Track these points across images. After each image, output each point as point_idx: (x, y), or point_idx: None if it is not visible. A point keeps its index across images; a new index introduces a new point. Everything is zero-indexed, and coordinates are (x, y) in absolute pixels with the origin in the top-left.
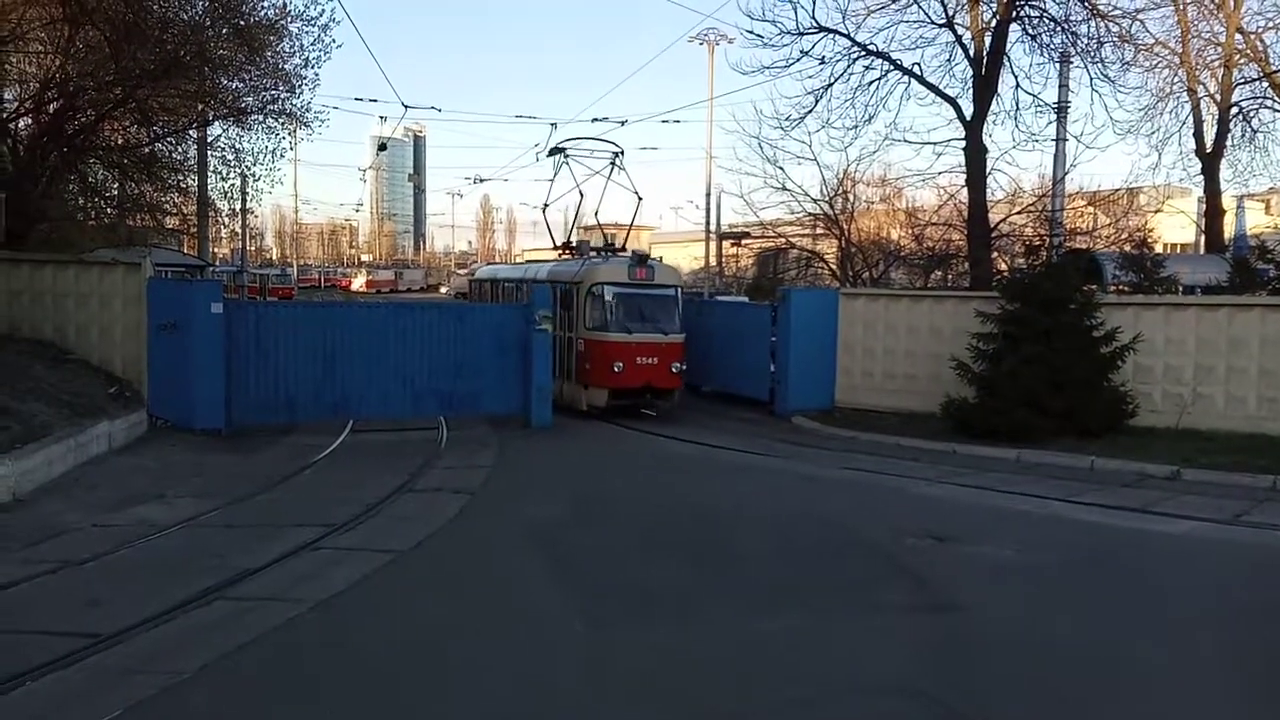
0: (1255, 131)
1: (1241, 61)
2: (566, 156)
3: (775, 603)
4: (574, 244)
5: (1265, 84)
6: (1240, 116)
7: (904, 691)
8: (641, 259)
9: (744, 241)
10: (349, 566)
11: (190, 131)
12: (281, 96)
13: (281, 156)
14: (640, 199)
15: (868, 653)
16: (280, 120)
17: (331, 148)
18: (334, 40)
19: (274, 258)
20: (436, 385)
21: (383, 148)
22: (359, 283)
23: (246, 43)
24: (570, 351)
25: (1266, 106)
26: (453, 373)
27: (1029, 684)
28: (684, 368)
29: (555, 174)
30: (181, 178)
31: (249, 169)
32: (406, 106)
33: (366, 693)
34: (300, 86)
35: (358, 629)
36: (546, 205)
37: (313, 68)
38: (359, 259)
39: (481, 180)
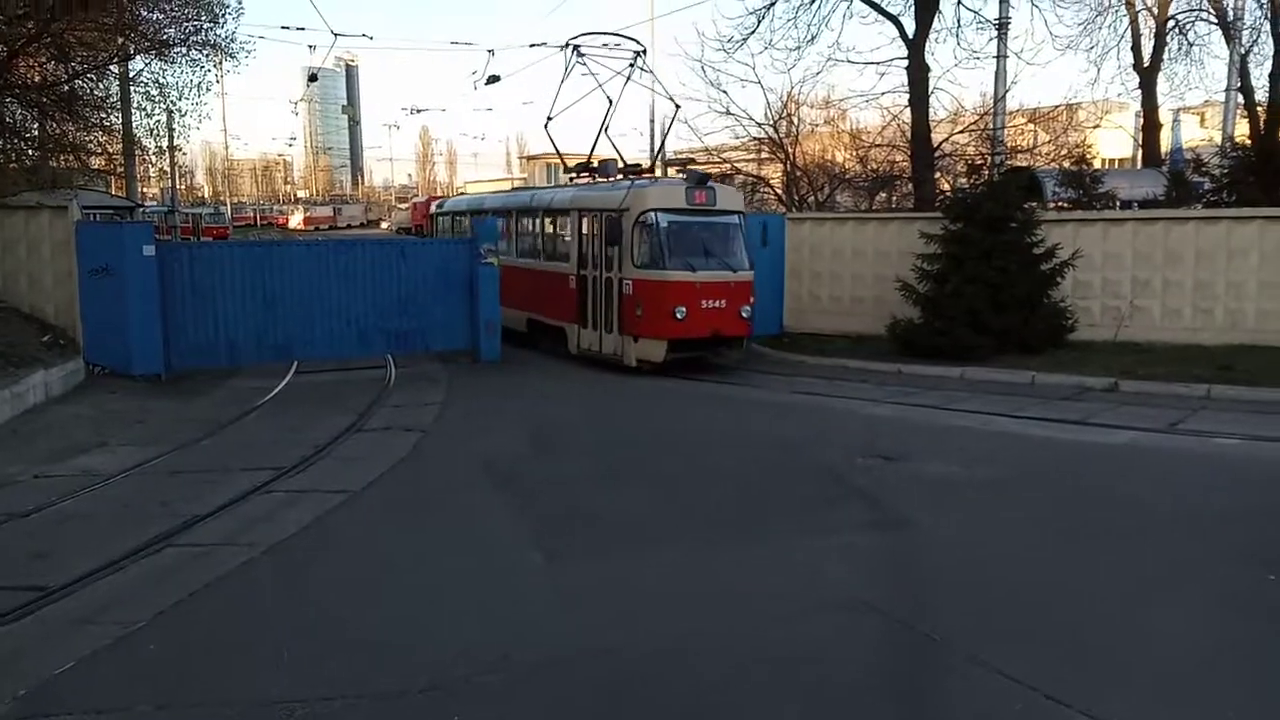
0: (1191, 45)
1: None
2: (580, 54)
3: (731, 527)
4: (596, 165)
5: None
6: (1177, 30)
7: (856, 609)
8: (701, 180)
9: (689, 168)
10: (301, 509)
11: (111, 67)
12: (205, 27)
13: (208, 90)
14: (678, 106)
15: (821, 573)
16: (205, 52)
17: (261, 80)
18: None
19: (206, 196)
20: (382, 323)
21: (313, 78)
22: (296, 220)
23: None
24: (611, 295)
25: (1202, 19)
26: (398, 310)
27: (978, 597)
28: (753, 311)
29: (564, 77)
30: (105, 116)
31: (175, 104)
32: (336, 34)
33: (325, 633)
34: (224, 16)
35: (313, 571)
36: (550, 118)
37: None
38: (295, 195)
39: (419, 111)
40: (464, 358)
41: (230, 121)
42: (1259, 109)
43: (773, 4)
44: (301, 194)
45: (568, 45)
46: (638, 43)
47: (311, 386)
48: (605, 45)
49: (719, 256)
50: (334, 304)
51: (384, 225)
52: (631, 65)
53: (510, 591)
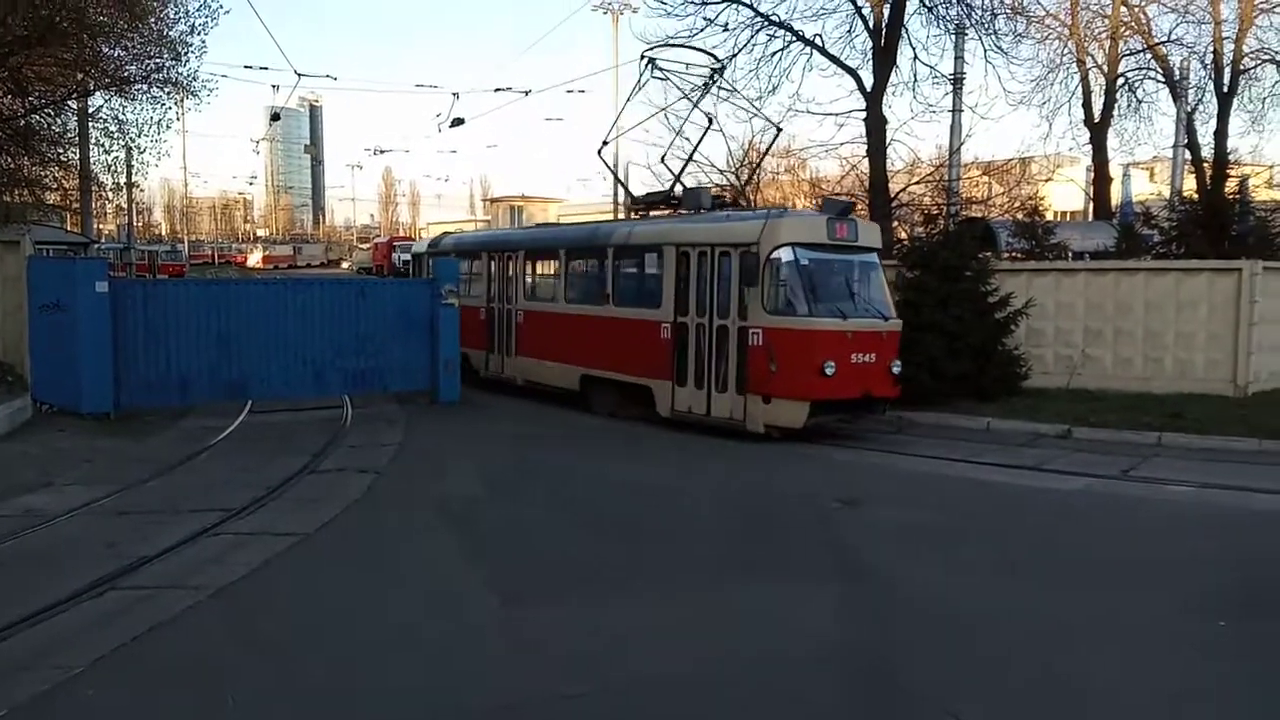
0: (1140, 102)
1: (1127, 33)
2: (658, 68)
3: (691, 573)
4: (679, 194)
5: (1149, 55)
6: (1126, 87)
7: (819, 657)
8: (844, 210)
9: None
10: (250, 551)
11: (70, 102)
12: (167, 65)
13: (168, 128)
14: (779, 130)
15: (783, 619)
16: (166, 90)
17: (223, 119)
18: (221, 5)
19: (164, 233)
20: (340, 362)
21: (275, 117)
22: (255, 258)
23: (128, 8)
24: (726, 346)
25: (1150, 77)
26: (356, 349)
27: (941, 643)
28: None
29: (635, 90)
30: (62, 151)
31: (134, 141)
32: (300, 75)
33: (272, 681)
34: (186, 54)
35: (261, 615)
36: (605, 143)
37: (199, 34)
38: (255, 234)
39: (382, 152)
40: (423, 398)
41: (190, 159)
42: (1205, 164)
43: (734, 56)
44: (262, 233)
45: (643, 58)
46: (716, 59)
47: (265, 426)
48: (686, 65)
49: (867, 301)
50: (291, 343)
51: (345, 265)
52: (709, 82)
53: (464, 636)
